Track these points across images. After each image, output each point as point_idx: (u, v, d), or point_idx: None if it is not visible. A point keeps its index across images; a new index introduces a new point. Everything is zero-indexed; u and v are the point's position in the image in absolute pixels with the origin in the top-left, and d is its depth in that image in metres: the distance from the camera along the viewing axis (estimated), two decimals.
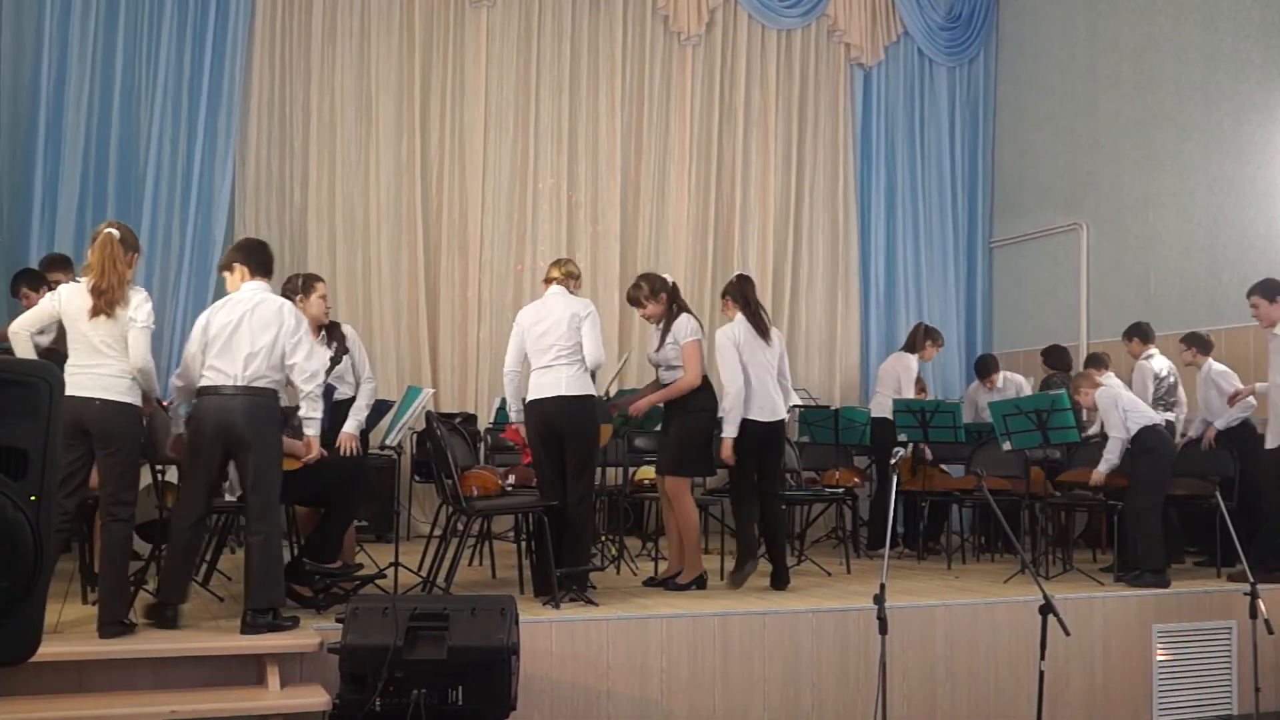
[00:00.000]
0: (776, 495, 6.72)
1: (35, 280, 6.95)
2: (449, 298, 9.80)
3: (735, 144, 10.91)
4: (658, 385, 6.58)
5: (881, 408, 8.67)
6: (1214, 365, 7.98)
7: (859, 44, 11.39)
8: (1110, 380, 7.56)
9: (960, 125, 11.83)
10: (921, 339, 9.13)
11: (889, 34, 11.57)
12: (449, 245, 9.83)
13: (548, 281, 6.26)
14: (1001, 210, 11.87)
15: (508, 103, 10.09)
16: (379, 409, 6.78)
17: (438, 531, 6.60)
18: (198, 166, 8.92)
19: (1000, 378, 9.64)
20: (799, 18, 11.22)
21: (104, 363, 4.71)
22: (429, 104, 9.86)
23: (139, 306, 4.80)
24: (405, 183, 9.71)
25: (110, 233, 4.81)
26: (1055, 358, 9.70)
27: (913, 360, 9.01)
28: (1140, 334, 8.52)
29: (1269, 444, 7.21)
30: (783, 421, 6.63)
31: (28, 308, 5.57)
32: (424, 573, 6.19)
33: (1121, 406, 7.22)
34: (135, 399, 4.83)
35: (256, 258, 5.29)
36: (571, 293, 6.17)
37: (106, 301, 4.73)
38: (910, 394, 8.84)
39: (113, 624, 4.70)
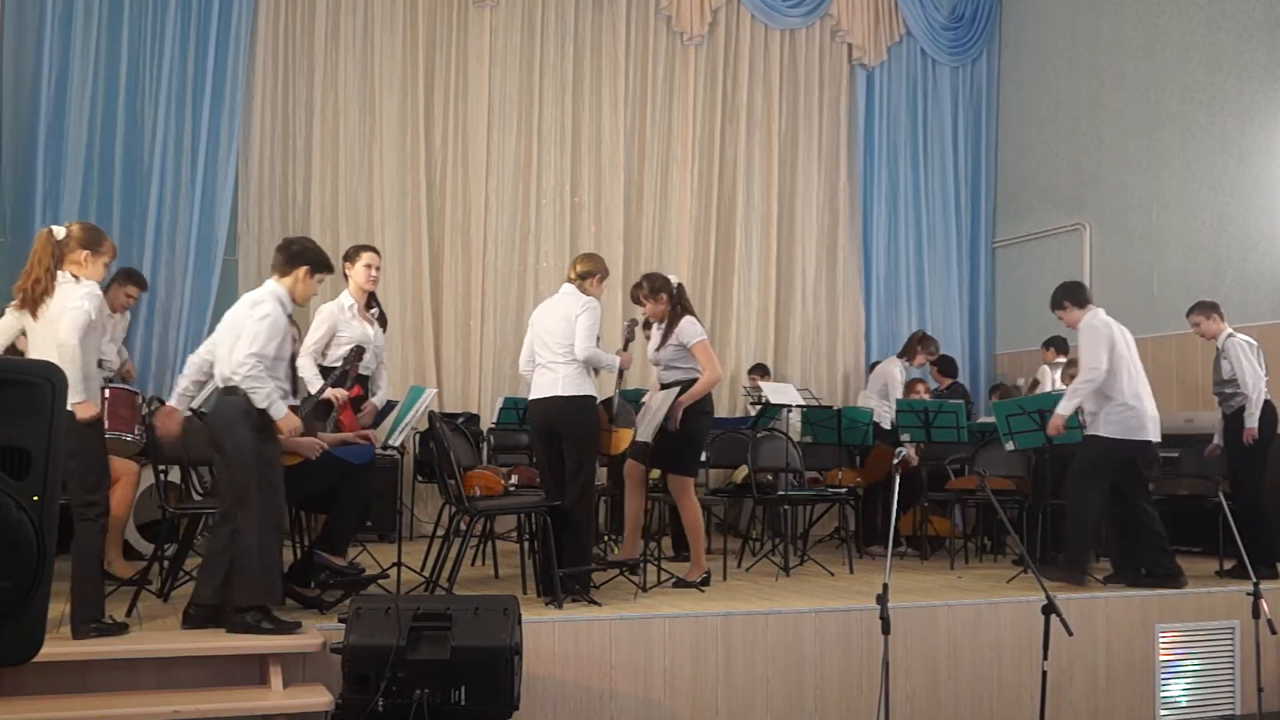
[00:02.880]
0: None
1: None
2: (452, 298, 9.80)
3: (738, 144, 10.92)
4: (659, 387, 6.57)
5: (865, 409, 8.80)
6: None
7: (861, 44, 11.39)
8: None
9: (963, 125, 11.83)
10: (914, 346, 9.28)
11: (891, 34, 11.57)
12: (452, 245, 9.83)
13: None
14: (1004, 210, 11.86)
15: (511, 102, 10.09)
16: (382, 409, 6.78)
17: (440, 531, 6.61)
18: (201, 166, 8.92)
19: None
20: (801, 18, 11.22)
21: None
22: (432, 103, 9.86)
23: (82, 297, 4.61)
24: (409, 182, 9.71)
25: (46, 230, 4.75)
26: (948, 367, 9.92)
27: (898, 367, 9.15)
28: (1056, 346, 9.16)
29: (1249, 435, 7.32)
30: None
31: None
32: (427, 573, 6.19)
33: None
34: (89, 399, 4.68)
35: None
36: (587, 292, 6.17)
37: (29, 296, 4.65)
38: (895, 399, 9.12)
39: (84, 624, 4.62)
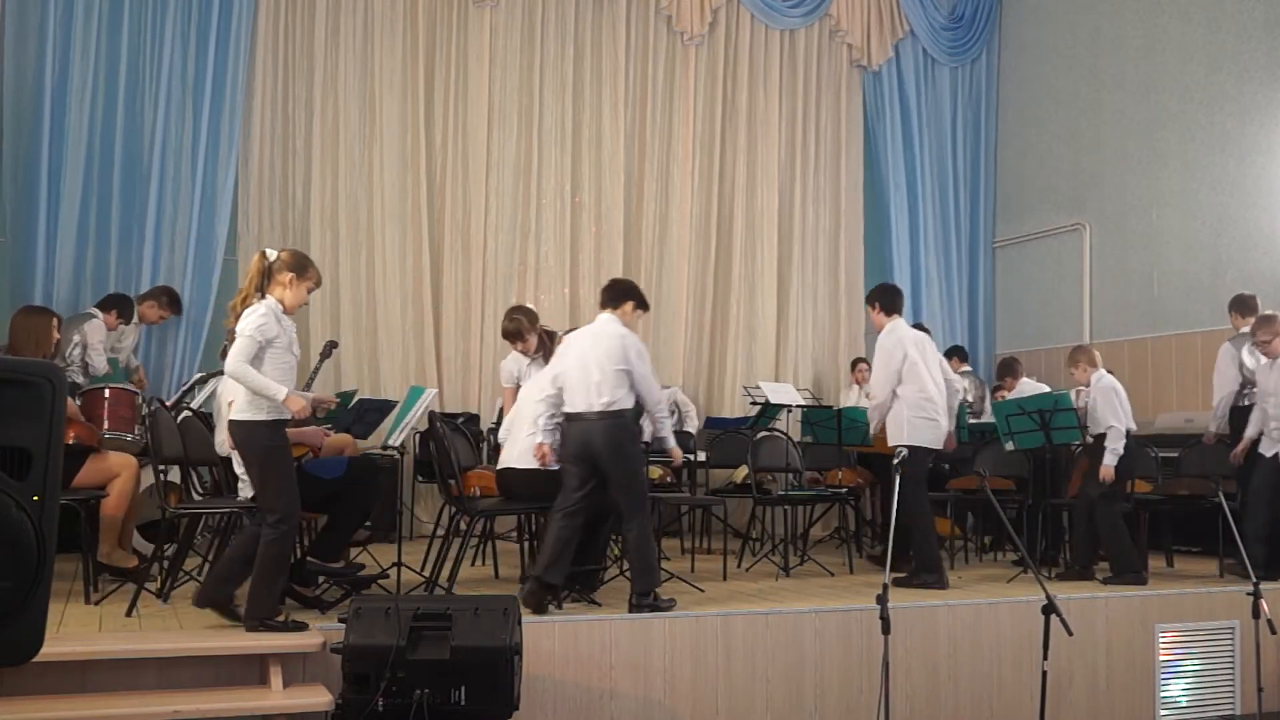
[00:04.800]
0: None
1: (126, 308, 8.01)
2: (452, 298, 9.80)
3: (738, 144, 10.91)
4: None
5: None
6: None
7: (861, 44, 11.39)
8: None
9: (963, 125, 11.83)
10: None
11: (892, 34, 11.56)
12: (452, 245, 9.82)
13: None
14: (1004, 210, 11.86)
15: (511, 102, 10.09)
16: (381, 409, 6.79)
17: (440, 531, 6.61)
18: (201, 166, 8.90)
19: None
20: (801, 18, 11.22)
21: None
22: (432, 103, 9.86)
23: (249, 319, 4.79)
24: (409, 182, 9.70)
25: (260, 252, 4.99)
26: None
27: None
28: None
29: (1264, 451, 7.25)
30: None
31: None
32: (427, 573, 6.19)
33: (1120, 396, 7.27)
34: (253, 414, 4.78)
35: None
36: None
37: (237, 315, 4.90)
38: (856, 394, 9.15)
39: (251, 619, 4.80)
